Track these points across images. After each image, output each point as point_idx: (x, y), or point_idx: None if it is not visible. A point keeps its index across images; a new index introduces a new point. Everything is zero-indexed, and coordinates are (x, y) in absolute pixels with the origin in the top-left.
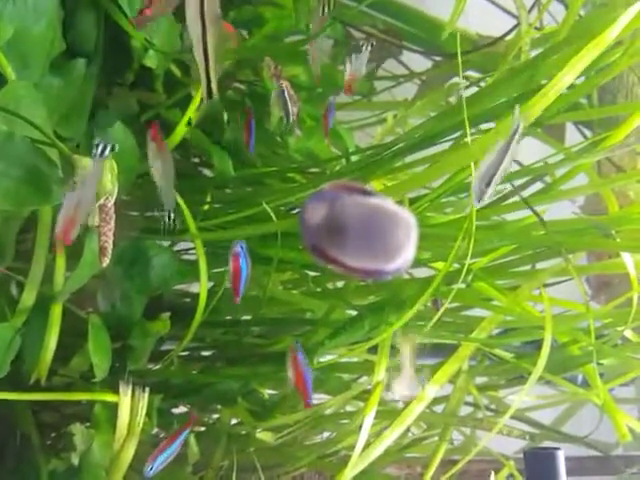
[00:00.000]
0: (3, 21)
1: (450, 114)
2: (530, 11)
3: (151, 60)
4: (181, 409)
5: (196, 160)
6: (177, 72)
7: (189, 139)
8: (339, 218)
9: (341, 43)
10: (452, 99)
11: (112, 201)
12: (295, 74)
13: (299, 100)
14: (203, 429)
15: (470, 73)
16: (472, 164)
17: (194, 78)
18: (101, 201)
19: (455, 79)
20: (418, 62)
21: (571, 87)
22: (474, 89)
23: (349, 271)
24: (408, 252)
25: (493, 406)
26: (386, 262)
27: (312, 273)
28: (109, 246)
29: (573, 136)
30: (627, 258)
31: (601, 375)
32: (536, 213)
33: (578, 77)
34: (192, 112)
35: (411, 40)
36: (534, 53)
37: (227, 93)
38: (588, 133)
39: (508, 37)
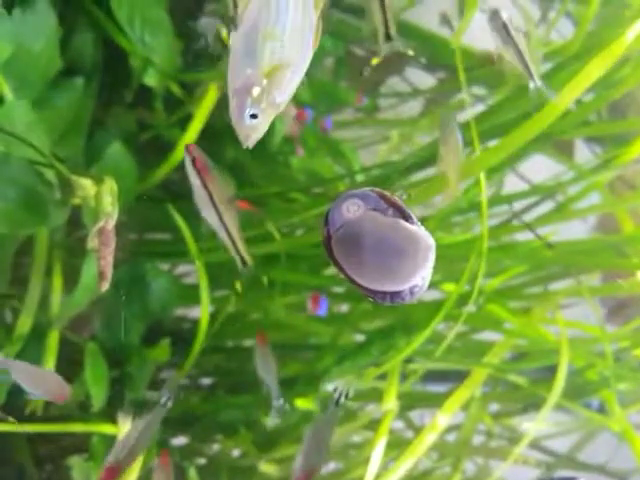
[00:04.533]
0: (1, 40)
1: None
2: (538, 27)
3: (151, 78)
4: (181, 439)
5: None
6: (177, 91)
7: None
8: (357, 233)
9: (342, 60)
10: (459, 116)
11: (112, 224)
12: (297, 93)
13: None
14: (204, 461)
15: (476, 89)
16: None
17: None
18: (100, 223)
19: (460, 96)
20: (423, 79)
21: (580, 103)
22: (480, 106)
23: (363, 291)
24: (423, 274)
25: (507, 434)
26: (400, 283)
27: None
28: (108, 270)
29: (582, 153)
30: None
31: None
32: (539, 237)
33: (587, 93)
34: (193, 132)
35: (415, 57)
36: (542, 69)
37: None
38: (597, 150)
39: None
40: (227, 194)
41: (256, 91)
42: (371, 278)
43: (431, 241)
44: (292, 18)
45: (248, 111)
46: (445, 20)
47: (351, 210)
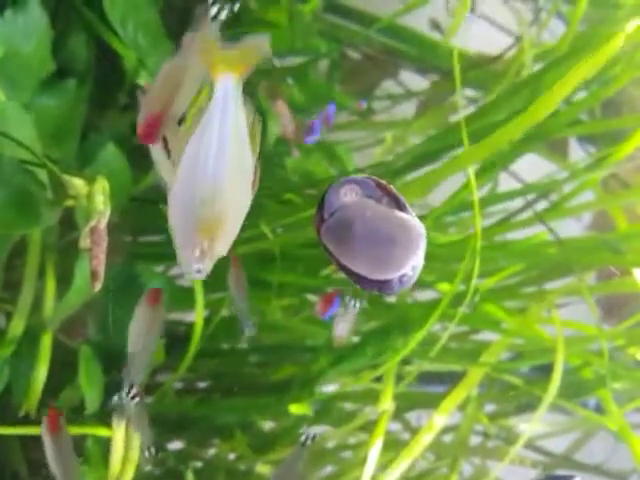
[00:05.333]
0: None
1: (450, 132)
2: (530, 28)
3: (144, 80)
4: (177, 444)
5: None
6: None
7: None
8: (350, 219)
9: (336, 63)
10: (452, 117)
11: (104, 223)
12: (291, 94)
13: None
14: (200, 464)
15: (469, 92)
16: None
17: None
18: (93, 222)
19: (456, 97)
20: (416, 82)
21: (573, 102)
22: (473, 108)
23: (352, 278)
24: (414, 262)
25: (503, 435)
26: (391, 272)
27: (313, 297)
28: (101, 270)
29: (576, 153)
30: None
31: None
32: (550, 229)
33: (580, 91)
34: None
35: (408, 59)
36: (534, 69)
37: None
38: (591, 149)
39: (507, 55)
40: None
41: (198, 252)
42: (361, 266)
43: (422, 229)
44: (229, 169)
45: (194, 267)
46: (435, 25)
47: (348, 195)
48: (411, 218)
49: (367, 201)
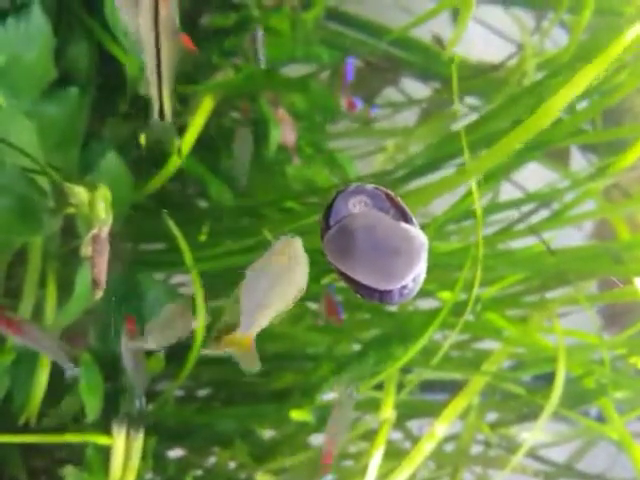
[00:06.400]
0: None
1: (451, 140)
2: (532, 36)
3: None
4: (177, 452)
5: (191, 191)
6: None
7: (185, 168)
8: (355, 229)
9: (338, 70)
10: (454, 125)
11: (106, 231)
12: (292, 102)
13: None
14: (200, 473)
15: (470, 100)
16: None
17: (191, 107)
18: (94, 231)
19: (455, 106)
20: (418, 89)
21: (575, 111)
22: (474, 116)
23: (354, 286)
24: (417, 271)
25: (505, 444)
26: (394, 282)
27: (313, 305)
28: (102, 278)
29: (577, 162)
30: None
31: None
32: (544, 241)
33: (582, 100)
34: (188, 142)
35: (410, 67)
36: (536, 78)
37: (223, 120)
38: (593, 158)
39: (509, 63)
40: (175, 25)
41: None
42: (363, 275)
43: (425, 240)
44: None
45: None
46: (436, 41)
47: (357, 206)
48: (414, 229)
49: (375, 213)
